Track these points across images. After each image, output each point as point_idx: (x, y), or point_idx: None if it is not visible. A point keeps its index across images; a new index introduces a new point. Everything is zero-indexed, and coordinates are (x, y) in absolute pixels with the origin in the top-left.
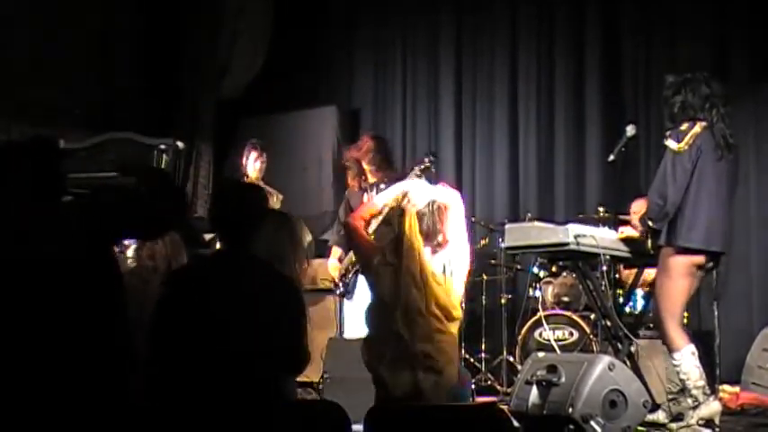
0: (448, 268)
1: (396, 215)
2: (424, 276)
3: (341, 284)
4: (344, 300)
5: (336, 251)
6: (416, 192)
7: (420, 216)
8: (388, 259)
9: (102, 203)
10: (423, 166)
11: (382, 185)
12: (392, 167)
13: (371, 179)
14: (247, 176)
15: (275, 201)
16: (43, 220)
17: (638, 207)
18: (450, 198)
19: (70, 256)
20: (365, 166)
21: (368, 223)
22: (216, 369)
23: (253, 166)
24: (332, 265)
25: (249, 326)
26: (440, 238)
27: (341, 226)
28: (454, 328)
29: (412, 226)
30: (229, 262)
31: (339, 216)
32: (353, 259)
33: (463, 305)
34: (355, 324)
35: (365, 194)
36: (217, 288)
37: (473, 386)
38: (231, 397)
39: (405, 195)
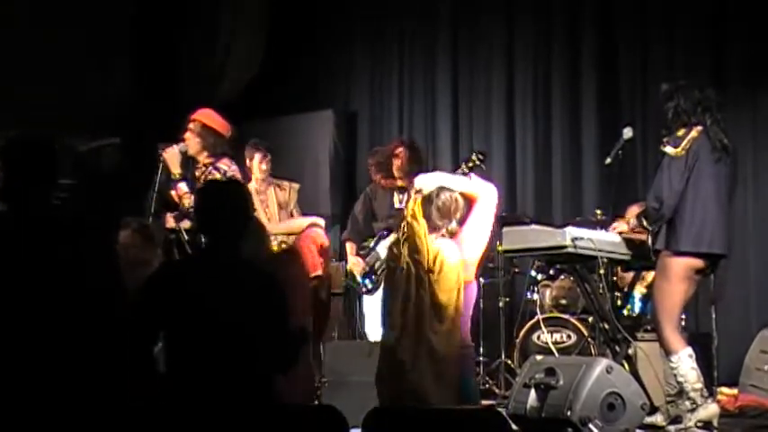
0: (447, 260)
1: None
2: (426, 266)
3: (368, 281)
4: (365, 296)
5: (352, 247)
6: (425, 178)
7: (426, 200)
8: (391, 255)
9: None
10: (470, 164)
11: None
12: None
13: (400, 184)
14: (256, 179)
15: (290, 192)
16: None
17: (634, 212)
18: (479, 190)
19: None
20: (395, 173)
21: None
22: (208, 370)
23: (258, 167)
24: (353, 262)
25: (242, 326)
26: (450, 226)
27: (355, 221)
28: (447, 324)
29: (416, 211)
30: (216, 260)
31: (354, 211)
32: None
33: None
34: (375, 322)
35: (395, 196)
36: (206, 287)
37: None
38: (225, 400)
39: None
